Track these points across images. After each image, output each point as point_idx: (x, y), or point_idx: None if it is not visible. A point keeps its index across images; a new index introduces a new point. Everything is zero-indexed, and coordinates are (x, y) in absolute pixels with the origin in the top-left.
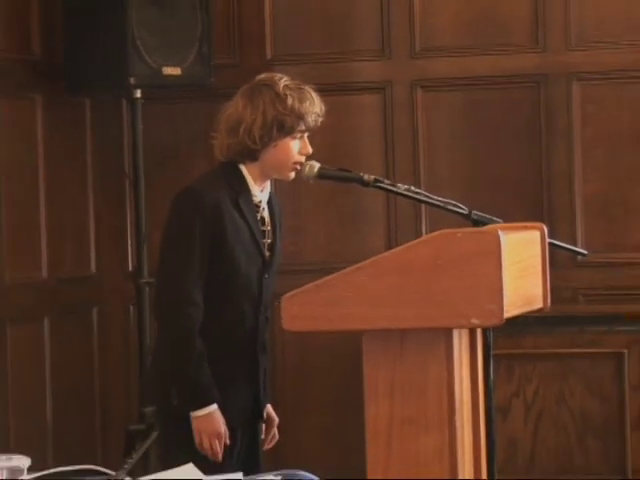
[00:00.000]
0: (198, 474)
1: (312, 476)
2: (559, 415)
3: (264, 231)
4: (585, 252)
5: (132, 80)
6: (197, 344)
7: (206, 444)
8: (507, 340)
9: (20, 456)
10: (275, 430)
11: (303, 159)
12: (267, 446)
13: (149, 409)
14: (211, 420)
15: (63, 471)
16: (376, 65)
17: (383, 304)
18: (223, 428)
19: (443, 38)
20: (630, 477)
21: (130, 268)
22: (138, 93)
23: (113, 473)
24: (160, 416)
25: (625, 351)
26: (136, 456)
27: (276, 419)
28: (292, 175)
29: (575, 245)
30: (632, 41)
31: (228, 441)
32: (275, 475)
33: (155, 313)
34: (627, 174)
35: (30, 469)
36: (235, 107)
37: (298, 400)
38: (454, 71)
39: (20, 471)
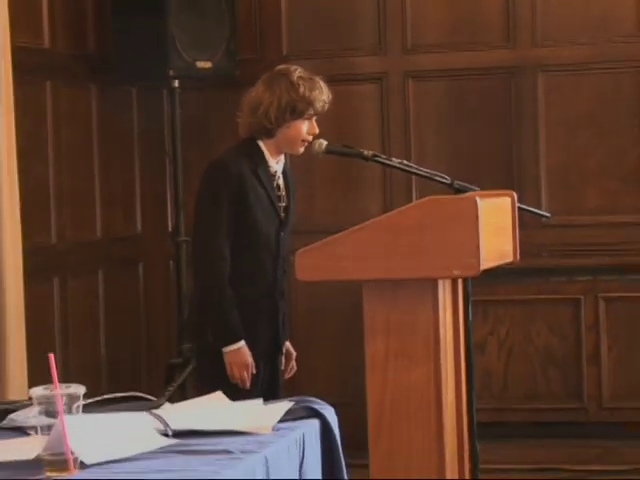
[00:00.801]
0: (226, 400)
1: (321, 402)
2: (526, 351)
3: (279, 196)
4: (548, 215)
5: (171, 72)
6: (227, 291)
7: (236, 374)
8: (483, 288)
9: (77, 385)
10: (294, 362)
11: (311, 138)
12: (287, 376)
13: (186, 346)
14: (240, 354)
15: (113, 397)
16: (374, 59)
17: (379, 258)
18: (250, 360)
19: (430, 36)
20: (585, 402)
21: (170, 229)
22: (176, 83)
23: (155, 399)
24: (196, 352)
25: (582, 297)
26: (175, 385)
27: (294, 353)
28: (301, 150)
29: (540, 209)
30: (588, 39)
31: (254, 370)
32: (290, 401)
33: (192, 266)
34: (583, 150)
35: (85, 395)
36: (256, 91)
37: (309, 339)
38: (439, 64)
39: (77, 397)
